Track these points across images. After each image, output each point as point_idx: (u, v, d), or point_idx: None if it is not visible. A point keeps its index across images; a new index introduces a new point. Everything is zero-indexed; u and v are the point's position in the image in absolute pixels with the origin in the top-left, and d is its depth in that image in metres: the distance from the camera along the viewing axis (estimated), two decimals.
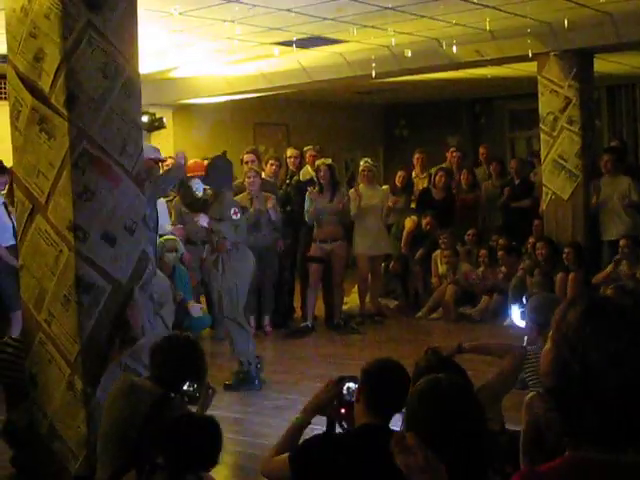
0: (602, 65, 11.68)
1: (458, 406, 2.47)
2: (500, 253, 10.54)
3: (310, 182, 9.87)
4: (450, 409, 2.45)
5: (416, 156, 11.99)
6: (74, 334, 4.63)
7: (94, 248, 4.67)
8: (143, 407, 3.82)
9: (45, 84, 4.63)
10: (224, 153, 8.58)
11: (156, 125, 13.21)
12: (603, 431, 1.61)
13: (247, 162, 10.17)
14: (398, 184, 11.77)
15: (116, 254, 4.76)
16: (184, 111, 14.32)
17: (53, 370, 4.75)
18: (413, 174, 11.94)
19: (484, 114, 17.56)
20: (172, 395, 3.92)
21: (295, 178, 10.31)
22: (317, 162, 10.01)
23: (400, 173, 11.85)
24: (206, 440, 3.53)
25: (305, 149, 10.68)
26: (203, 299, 9.88)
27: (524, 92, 13.01)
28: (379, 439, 3.16)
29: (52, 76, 4.59)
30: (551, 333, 1.70)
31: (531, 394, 3.82)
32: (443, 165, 12.17)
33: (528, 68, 11.38)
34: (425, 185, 11.73)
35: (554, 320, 1.69)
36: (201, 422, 3.63)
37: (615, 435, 1.61)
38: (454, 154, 12.35)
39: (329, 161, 9.94)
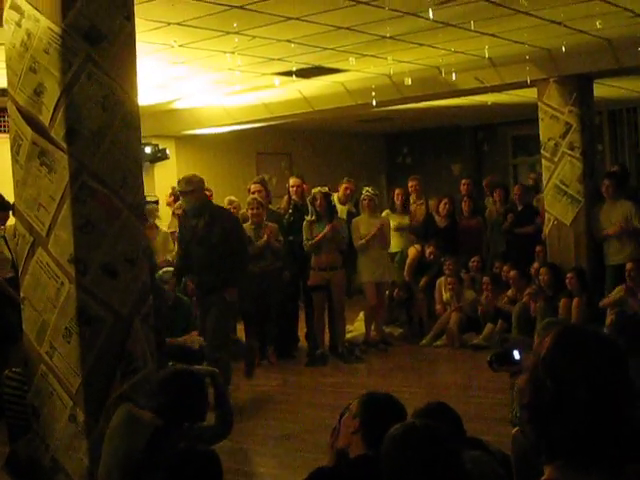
0: (602, 90, 11.73)
1: (430, 453, 2.51)
2: (512, 273, 10.42)
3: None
4: (421, 455, 2.49)
5: (409, 184, 11.91)
6: (76, 366, 4.63)
7: (95, 280, 4.68)
8: (142, 438, 3.81)
9: (45, 118, 4.66)
10: None
11: (159, 156, 13.41)
12: (572, 446, 1.69)
13: (254, 192, 10.15)
14: (397, 202, 11.63)
15: (117, 286, 4.76)
16: (187, 142, 14.39)
17: (55, 402, 4.75)
18: (411, 200, 11.87)
19: (487, 140, 17.60)
20: (172, 426, 3.91)
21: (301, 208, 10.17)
22: (313, 190, 9.91)
23: (398, 191, 11.75)
24: (206, 475, 3.51)
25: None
26: None
27: (526, 118, 13.04)
28: (377, 470, 3.18)
29: (52, 110, 4.62)
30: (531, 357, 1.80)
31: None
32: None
33: (529, 94, 11.43)
34: (423, 211, 11.69)
35: (535, 345, 1.80)
36: (201, 456, 3.60)
37: (584, 450, 1.69)
38: (464, 183, 12.28)
39: (325, 189, 9.89)
